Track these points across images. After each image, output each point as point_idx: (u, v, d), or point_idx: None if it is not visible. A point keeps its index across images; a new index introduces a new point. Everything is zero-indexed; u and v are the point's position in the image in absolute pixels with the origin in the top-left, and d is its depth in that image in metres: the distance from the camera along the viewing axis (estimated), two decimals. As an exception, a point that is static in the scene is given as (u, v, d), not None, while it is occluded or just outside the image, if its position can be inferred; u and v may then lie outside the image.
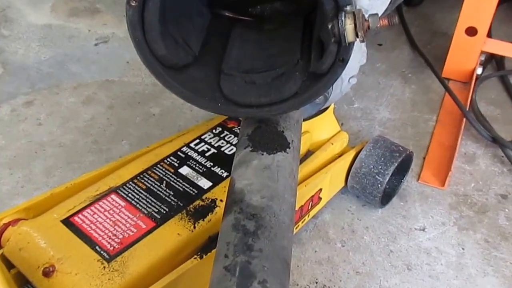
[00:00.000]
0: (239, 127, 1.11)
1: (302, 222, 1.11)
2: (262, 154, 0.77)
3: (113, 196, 0.95)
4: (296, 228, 1.09)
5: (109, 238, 0.87)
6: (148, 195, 0.96)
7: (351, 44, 0.72)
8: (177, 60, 0.80)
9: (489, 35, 1.60)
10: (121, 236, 0.87)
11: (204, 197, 0.96)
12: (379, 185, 1.14)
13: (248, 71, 0.85)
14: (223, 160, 1.05)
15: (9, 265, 0.88)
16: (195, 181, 0.99)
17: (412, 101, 1.57)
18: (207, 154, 1.06)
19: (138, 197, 0.95)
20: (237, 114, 0.85)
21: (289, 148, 0.80)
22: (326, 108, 1.15)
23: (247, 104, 0.80)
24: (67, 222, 0.90)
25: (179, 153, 1.07)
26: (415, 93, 1.60)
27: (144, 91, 1.61)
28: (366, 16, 0.70)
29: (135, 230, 0.88)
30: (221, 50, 0.90)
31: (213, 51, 0.89)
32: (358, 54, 0.99)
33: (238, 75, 0.84)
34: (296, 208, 0.98)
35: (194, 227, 0.90)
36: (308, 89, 0.78)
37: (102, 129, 1.46)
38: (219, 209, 0.93)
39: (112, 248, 0.85)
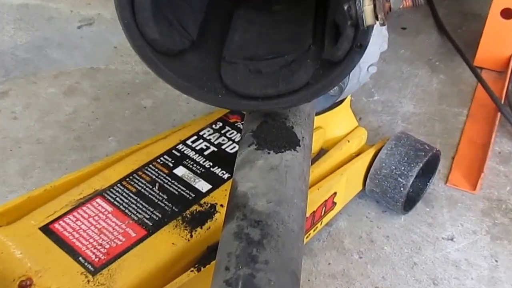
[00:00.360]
0: (242, 122, 1.11)
1: (314, 231, 1.12)
2: (269, 153, 0.77)
3: (98, 200, 0.95)
4: (307, 237, 1.10)
5: (94, 248, 0.87)
6: (138, 199, 0.96)
7: (370, 27, 0.72)
8: (171, 45, 0.80)
9: (528, 17, 1.60)
10: (107, 246, 0.87)
11: (202, 201, 0.96)
12: (402, 189, 1.14)
13: (252, 58, 0.85)
14: (224, 160, 1.05)
15: (-19, 278, 0.88)
16: (192, 184, 0.99)
17: (440, 92, 1.57)
18: (205, 153, 1.07)
19: (127, 201, 0.95)
20: (240, 107, 0.85)
21: (299, 146, 0.80)
22: (342, 101, 1.15)
23: (251, 96, 0.80)
24: (46, 230, 0.90)
25: (174, 151, 1.07)
26: (443, 84, 1.60)
27: (134, 80, 1.61)
28: (388, -5, 0.70)
29: (124, 239, 0.89)
30: (222, 34, 0.90)
31: (213, 35, 0.89)
32: (378, 39, 0.99)
33: (241, 63, 0.84)
34: (307, 215, 0.98)
35: (191, 236, 0.90)
36: (321, 78, 0.78)
37: (86, 123, 1.47)
38: (219, 216, 0.94)
39: (97, 259, 0.85)
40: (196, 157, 1.05)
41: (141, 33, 0.76)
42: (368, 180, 1.18)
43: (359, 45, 0.73)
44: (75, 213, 0.93)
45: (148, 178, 1.00)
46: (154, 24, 0.76)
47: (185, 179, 1.00)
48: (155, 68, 0.79)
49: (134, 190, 0.98)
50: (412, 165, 1.13)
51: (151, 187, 0.98)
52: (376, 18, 0.70)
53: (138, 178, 1.00)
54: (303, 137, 0.82)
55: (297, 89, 0.79)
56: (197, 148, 1.08)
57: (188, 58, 0.83)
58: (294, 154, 0.78)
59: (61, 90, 1.58)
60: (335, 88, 1.00)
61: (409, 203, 1.21)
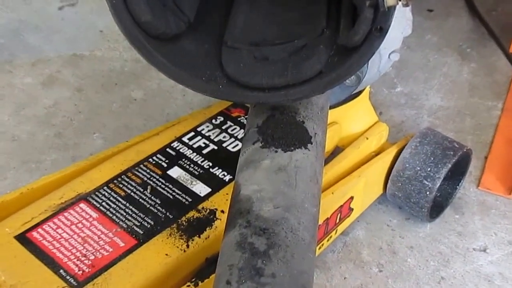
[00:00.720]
0: (246, 116, 1.11)
1: (328, 240, 1.12)
2: (276, 152, 0.78)
3: (82, 205, 0.96)
4: (319, 247, 1.10)
5: (77, 260, 0.87)
6: (127, 204, 0.96)
7: (392, 9, 0.72)
8: (165, 29, 0.80)
9: None
10: (92, 257, 0.87)
11: (200, 207, 0.96)
12: (428, 193, 1.14)
13: (258, 43, 0.85)
14: (225, 159, 1.05)
15: (-51, 293, 0.88)
16: (189, 187, 1.00)
17: (471, 83, 1.56)
18: (204, 152, 1.07)
19: (114, 206, 0.95)
20: (243, 99, 0.85)
21: (311, 143, 0.80)
22: (360, 92, 1.15)
23: (256, 86, 0.80)
24: (23, 239, 0.90)
25: (168, 149, 1.07)
26: (475, 74, 1.59)
27: (123, 69, 1.61)
28: (412, -28, 0.70)
29: (111, 250, 0.89)
30: (223, 16, 0.90)
31: (213, 17, 0.89)
32: (401, 23, 0.98)
33: (245, 49, 0.84)
34: (320, 222, 0.98)
35: (187, 246, 0.90)
36: (336, 67, 0.78)
37: (68, 118, 1.47)
38: (220, 223, 0.94)
39: (81, 272, 0.85)
40: (193, 156, 1.05)
41: (131, 15, 0.76)
42: (389, 183, 1.17)
43: (379, 28, 0.73)
44: (55, 220, 0.93)
45: (138, 180, 1.00)
46: (145, 4, 0.76)
47: (180, 181, 1.00)
48: (146, 55, 0.79)
49: (122, 193, 0.98)
50: (439, 166, 1.13)
51: (142, 190, 0.98)
52: (399, -3, 0.70)
53: (127, 180, 1.00)
54: (315, 134, 0.82)
55: (309, 78, 0.79)
56: (195, 146, 1.08)
57: (184, 43, 0.83)
58: (305, 152, 0.79)
59: (39, 80, 1.58)
60: (352, 77, 1.00)
61: (436, 209, 1.21)
